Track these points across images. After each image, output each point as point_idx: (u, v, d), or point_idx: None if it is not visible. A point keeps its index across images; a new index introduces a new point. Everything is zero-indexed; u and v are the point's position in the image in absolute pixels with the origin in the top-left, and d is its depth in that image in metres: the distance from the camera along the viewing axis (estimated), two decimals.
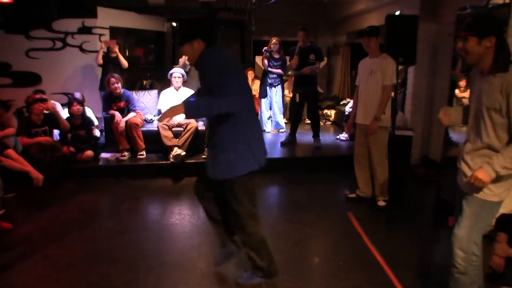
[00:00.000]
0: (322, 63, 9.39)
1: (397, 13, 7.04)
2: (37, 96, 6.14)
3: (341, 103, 10.12)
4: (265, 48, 8.07)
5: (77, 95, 6.86)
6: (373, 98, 4.91)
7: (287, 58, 7.96)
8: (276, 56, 8.12)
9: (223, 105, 2.90)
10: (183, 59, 7.73)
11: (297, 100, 7.50)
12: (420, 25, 5.80)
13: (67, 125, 6.28)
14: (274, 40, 8.08)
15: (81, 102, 6.53)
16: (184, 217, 4.92)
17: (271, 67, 8.16)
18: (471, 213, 2.71)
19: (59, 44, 8.23)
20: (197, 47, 3.07)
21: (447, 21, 6.27)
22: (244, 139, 3.05)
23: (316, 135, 7.49)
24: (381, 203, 5.17)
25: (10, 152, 5.16)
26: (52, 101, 6.79)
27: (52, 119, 6.19)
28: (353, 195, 5.40)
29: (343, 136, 8.15)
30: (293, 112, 7.88)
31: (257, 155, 3.10)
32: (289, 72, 9.69)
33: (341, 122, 9.01)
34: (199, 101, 3.06)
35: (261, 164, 3.13)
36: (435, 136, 6.78)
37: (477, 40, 2.52)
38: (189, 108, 2.87)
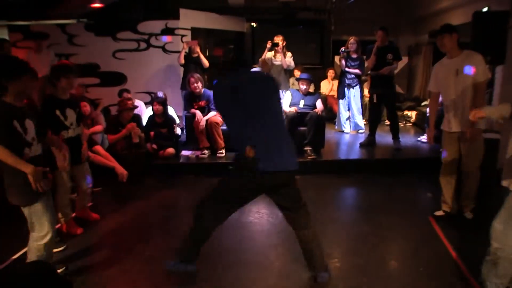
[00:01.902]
0: (401, 63, 9.11)
1: (485, 9, 6.71)
2: (129, 104, 6.34)
3: (422, 104, 9.80)
4: (342, 48, 7.95)
5: (160, 94, 7.09)
6: (466, 99, 4.40)
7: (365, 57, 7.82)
8: (354, 56, 7.98)
9: None
10: (263, 59, 7.77)
11: (374, 100, 7.35)
12: (511, 22, 5.49)
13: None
14: (351, 40, 7.94)
15: (162, 102, 6.70)
16: (262, 216, 4.95)
17: (349, 67, 8.04)
18: (507, 206, 2.83)
19: (143, 45, 8.56)
20: None
21: None
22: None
23: (395, 137, 7.29)
24: (469, 214, 4.76)
25: (98, 148, 5.43)
26: (137, 100, 7.06)
27: (138, 121, 6.40)
28: (441, 213, 4.89)
29: (424, 138, 7.88)
30: (371, 113, 7.71)
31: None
32: (369, 72, 9.52)
33: (422, 124, 8.73)
34: None
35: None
36: None
37: None
38: None
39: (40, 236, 3.22)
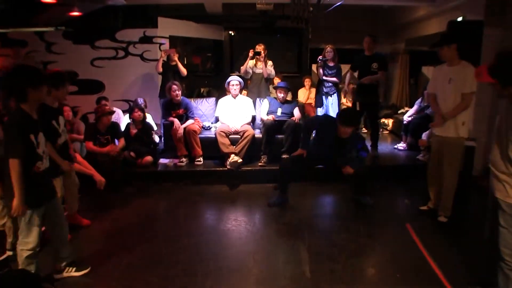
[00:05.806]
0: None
1: (460, 18, 6.85)
2: (107, 109, 6.31)
3: (399, 112, 9.89)
4: (320, 57, 7.97)
5: (140, 100, 7.06)
6: (452, 107, 4.65)
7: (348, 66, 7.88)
8: (331, 64, 7.99)
9: None
10: (245, 67, 7.77)
11: (358, 108, 7.40)
12: (485, 31, 5.62)
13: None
14: (328, 48, 7.93)
15: (142, 109, 6.71)
16: (240, 224, 4.96)
17: (326, 76, 8.03)
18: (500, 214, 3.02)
19: (121, 53, 8.55)
20: None
21: None
22: None
23: (374, 145, 7.36)
24: (442, 219, 4.91)
25: (76, 155, 5.39)
26: (115, 108, 7.02)
27: (116, 129, 6.36)
28: (425, 208, 5.20)
29: (401, 145, 7.98)
30: None
31: None
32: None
33: (399, 132, 8.82)
34: None
35: None
36: None
37: None
38: None
39: (23, 241, 3.27)
